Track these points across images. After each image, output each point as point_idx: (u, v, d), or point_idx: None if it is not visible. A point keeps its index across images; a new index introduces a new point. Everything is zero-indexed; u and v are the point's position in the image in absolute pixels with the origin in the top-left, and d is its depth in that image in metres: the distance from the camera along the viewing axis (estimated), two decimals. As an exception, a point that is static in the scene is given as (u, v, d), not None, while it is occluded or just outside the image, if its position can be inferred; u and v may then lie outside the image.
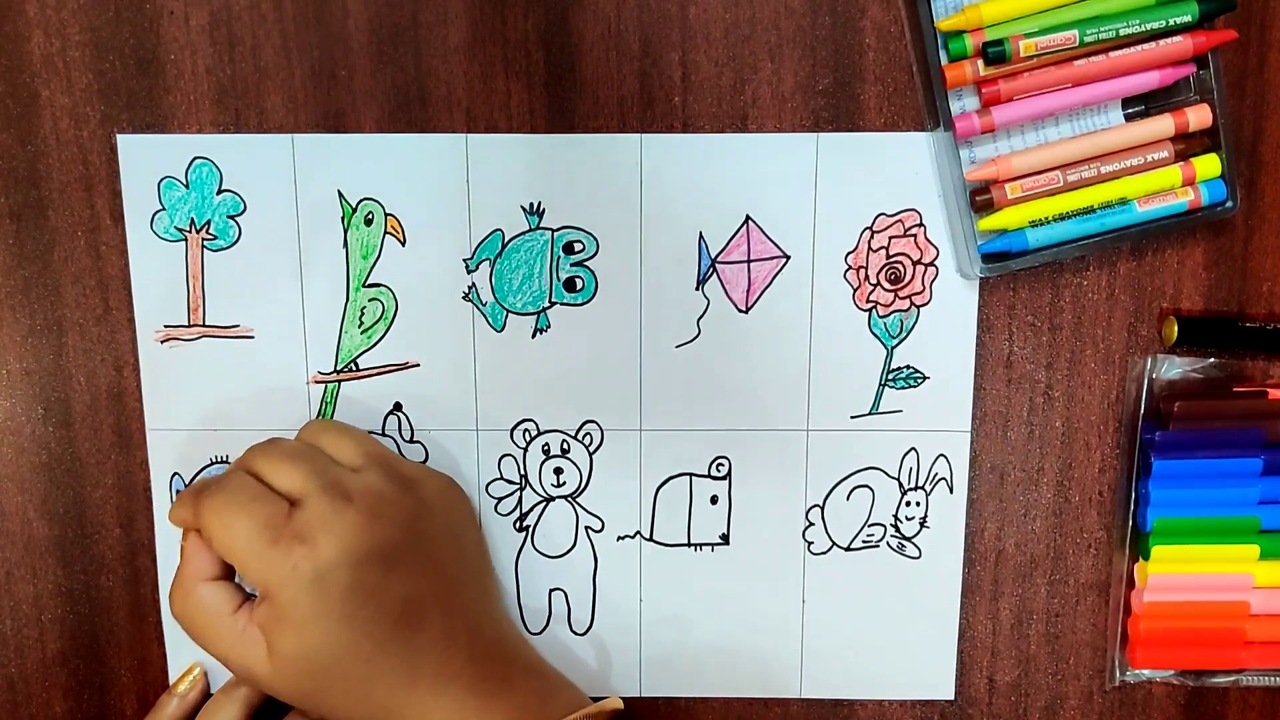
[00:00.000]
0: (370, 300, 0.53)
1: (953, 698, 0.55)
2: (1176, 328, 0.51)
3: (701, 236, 0.52)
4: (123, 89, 0.51)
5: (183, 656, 0.55)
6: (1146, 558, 0.53)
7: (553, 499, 0.54)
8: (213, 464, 0.54)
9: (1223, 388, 0.52)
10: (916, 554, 0.55)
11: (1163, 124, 0.49)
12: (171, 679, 0.55)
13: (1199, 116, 0.49)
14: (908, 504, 0.54)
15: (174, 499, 0.52)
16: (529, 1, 0.50)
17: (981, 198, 0.49)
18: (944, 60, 0.49)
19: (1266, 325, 0.52)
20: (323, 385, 0.53)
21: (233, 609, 0.48)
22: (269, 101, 0.51)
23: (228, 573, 0.49)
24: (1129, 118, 0.50)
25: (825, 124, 0.51)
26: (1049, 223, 0.50)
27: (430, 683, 0.46)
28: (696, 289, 0.53)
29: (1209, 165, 0.49)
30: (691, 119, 0.51)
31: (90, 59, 0.51)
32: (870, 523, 0.54)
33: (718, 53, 0.51)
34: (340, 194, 0.52)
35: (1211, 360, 0.52)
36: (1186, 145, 0.49)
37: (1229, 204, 0.50)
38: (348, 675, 0.46)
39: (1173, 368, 0.52)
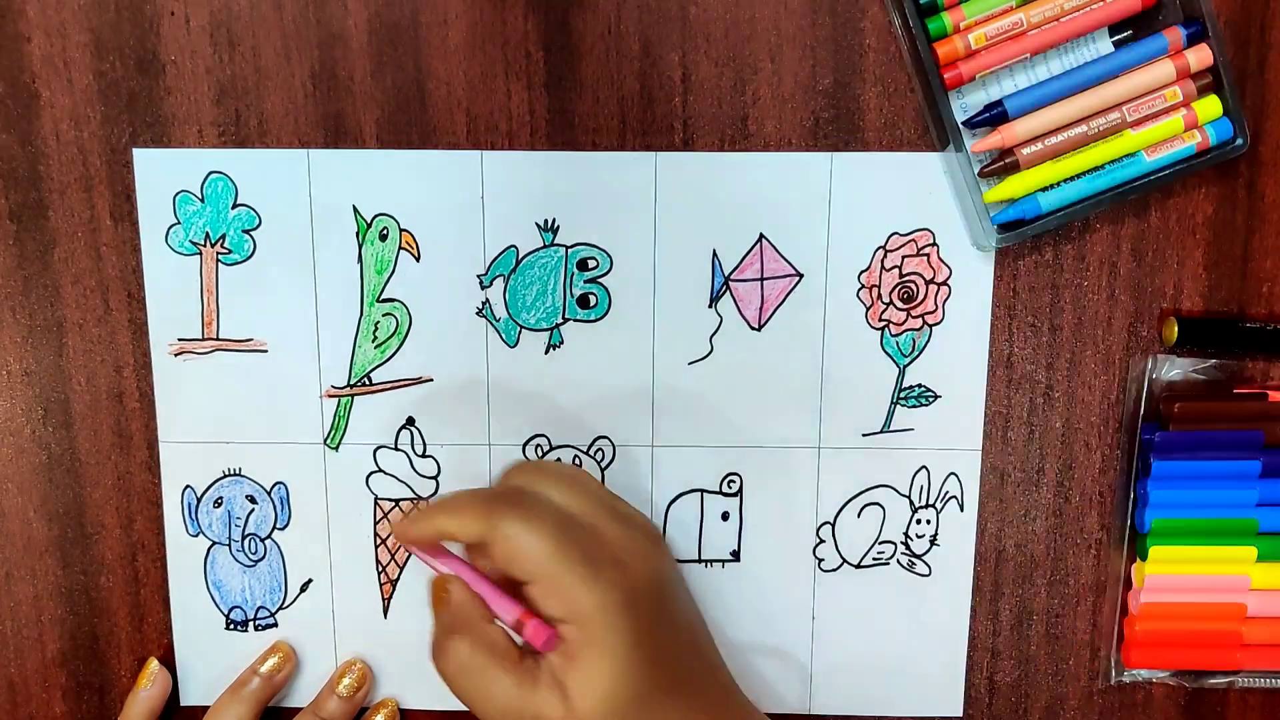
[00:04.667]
0: (384, 315, 0.53)
1: (961, 714, 0.56)
2: (1177, 328, 0.51)
3: (715, 254, 0.52)
4: (123, 90, 0.51)
5: (186, 655, 0.55)
6: (1144, 558, 0.53)
7: (566, 515, 0.55)
8: (225, 476, 0.54)
9: (1223, 389, 0.52)
10: (927, 571, 0.55)
11: (1163, 69, 0.49)
12: (182, 680, 0.56)
13: (1199, 57, 0.49)
14: (918, 522, 0.54)
15: (395, 517, 0.50)
16: (529, 2, 0.50)
17: (1001, 162, 0.50)
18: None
19: (1267, 326, 0.52)
20: (336, 399, 0.54)
21: (519, 655, 0.44)
22: (269, 102, 0.51)
23: (492, 616, 0.45)
24: (1117, 44, 0.50)
25: (825, 124, 0.51)
26: (1059, 186, 0.50)
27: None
28: (709, 306, 0.53)
29: (1210, 107, 0.49)
30: (692, 119, 0.51)
31: (90, 60, 0.51)
32: (881, 540, 0.54)
33: (718, 53, 0.51)
34: (355, 209, 0.52)
35: (1212, 361, 0.52)
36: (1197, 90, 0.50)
37: (1238, 141, 0.49)
38: (645, 714, 0.43)
39: (1173, 368, 0.52)
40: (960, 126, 0.50)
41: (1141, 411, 0.52)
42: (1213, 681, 0.55)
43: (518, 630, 0.44)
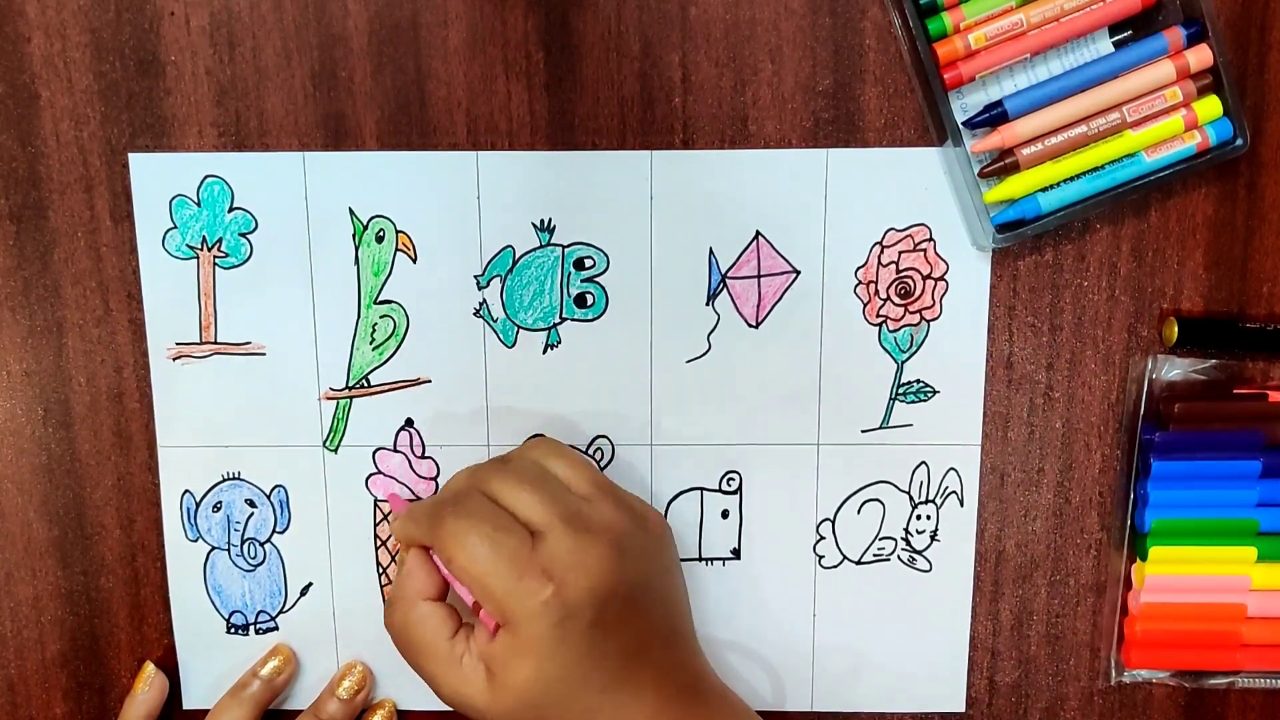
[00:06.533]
0: (382, 317, 0.53)
1: (964, 709, 0.56)
2: (1177, 328, 0.51)
3: (712, 252, 0.52)
4: (123, 90, 0.51)
5: (187, 658, 0.55)
6: (1144, 559, 0.53)
7: (565, 515, 0.54)
8: (224, 480, 0.54)
9: (1223, 389, 0.52)
10: (927, 567, 0.55)
11: (1163, 69, 0.49)
12: (184, 684, 0.56)
13: (1199, 57, 0.49)
14: (918, 518, 0.54)
15: (393, 516, 0.53)
16: (529, 2, 0.50)
17: (1001, 162, 0.50)
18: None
19: (1267, 326, 0.52)
20: (335, 401, 0.53)
21: (450, 633, 0.47)
22: (269, 103, 0.51)
23: (445, 593, 0.48)
24: (1117, 45, 0.50)
25: (825, 125, 0.51)
26: (1059, 186, 0.50)
27: (648, 716, 0.46)
28: (707, 304, 0.53)
29: (1210, 107, 0.49)
30: (692, 120, 0.51)
31: (90, 60, 0.51)
32: (881, 536, 0.54)
33: (718, 54, 0.51)
34: (351, 211, 0.52)
35: (1212, 361, 0.52)
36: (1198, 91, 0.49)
37: (1238, 142, 0.49)
38: (571, 708, 0.45)
39: (1173, 369, 0.52)
40: (960, 127, 0.50)
41: (1141, 412, 0.52)
42: (1213, 682, 0.55)
43: (476, 613, 0.47)
